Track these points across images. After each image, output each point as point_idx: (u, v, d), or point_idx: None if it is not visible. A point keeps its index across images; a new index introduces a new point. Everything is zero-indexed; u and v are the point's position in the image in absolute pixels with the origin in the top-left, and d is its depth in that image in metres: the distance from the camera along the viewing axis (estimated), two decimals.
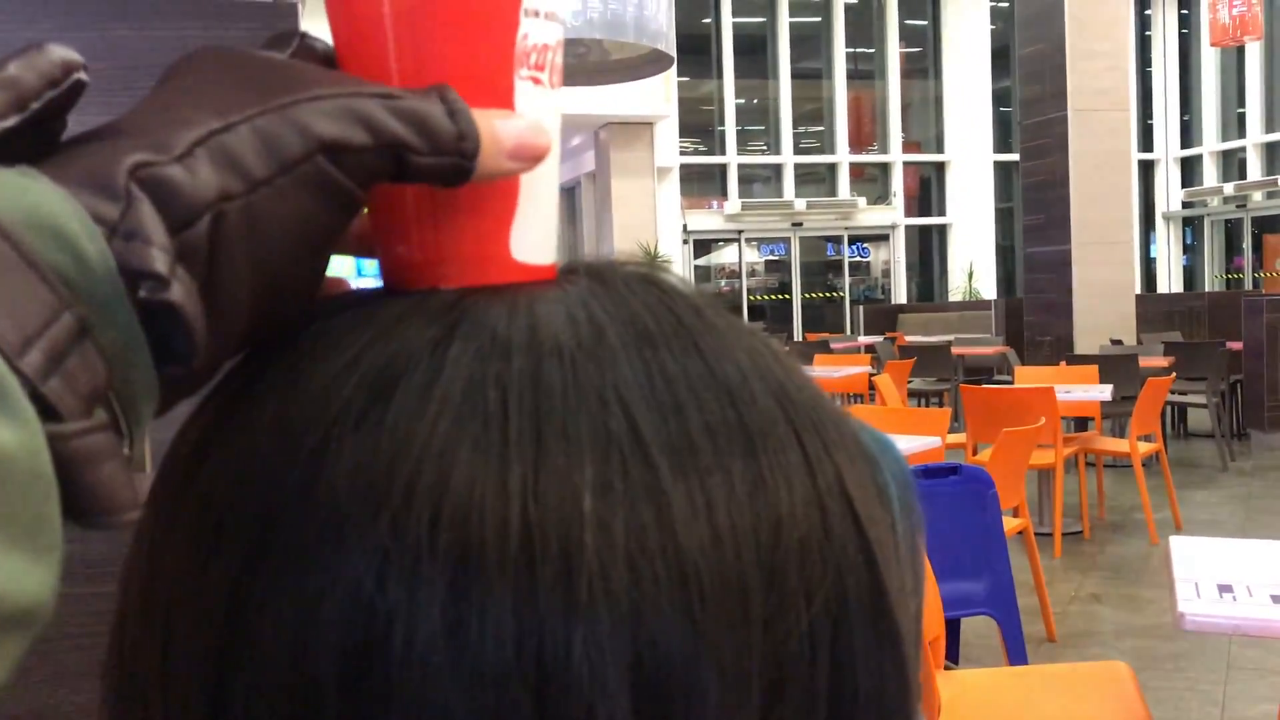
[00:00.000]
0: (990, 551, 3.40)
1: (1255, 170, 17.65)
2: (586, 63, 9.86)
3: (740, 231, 17.83)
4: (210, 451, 0.29)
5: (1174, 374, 6.76)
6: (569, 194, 18.78)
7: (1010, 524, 3.90)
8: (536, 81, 0.31)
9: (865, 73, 18.49)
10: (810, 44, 18.18)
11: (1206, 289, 17.37)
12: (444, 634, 0.24)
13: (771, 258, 18.71)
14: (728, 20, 17.48)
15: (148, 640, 0.28)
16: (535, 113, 0.31)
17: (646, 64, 9.30)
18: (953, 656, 3.60)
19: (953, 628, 3.60)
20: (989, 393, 5.52)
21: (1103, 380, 6.32)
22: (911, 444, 4.03)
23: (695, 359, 0.28)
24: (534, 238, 0.32)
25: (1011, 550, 4.61)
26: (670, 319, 0.29)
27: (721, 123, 17.70)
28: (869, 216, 18.16)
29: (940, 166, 18.60)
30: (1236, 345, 8.52)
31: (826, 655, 0.27)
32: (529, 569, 0.24)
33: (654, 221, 16.04)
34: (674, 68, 12.93)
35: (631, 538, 0.25)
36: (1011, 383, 6.78)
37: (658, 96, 15.27)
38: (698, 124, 17.80)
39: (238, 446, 0.28)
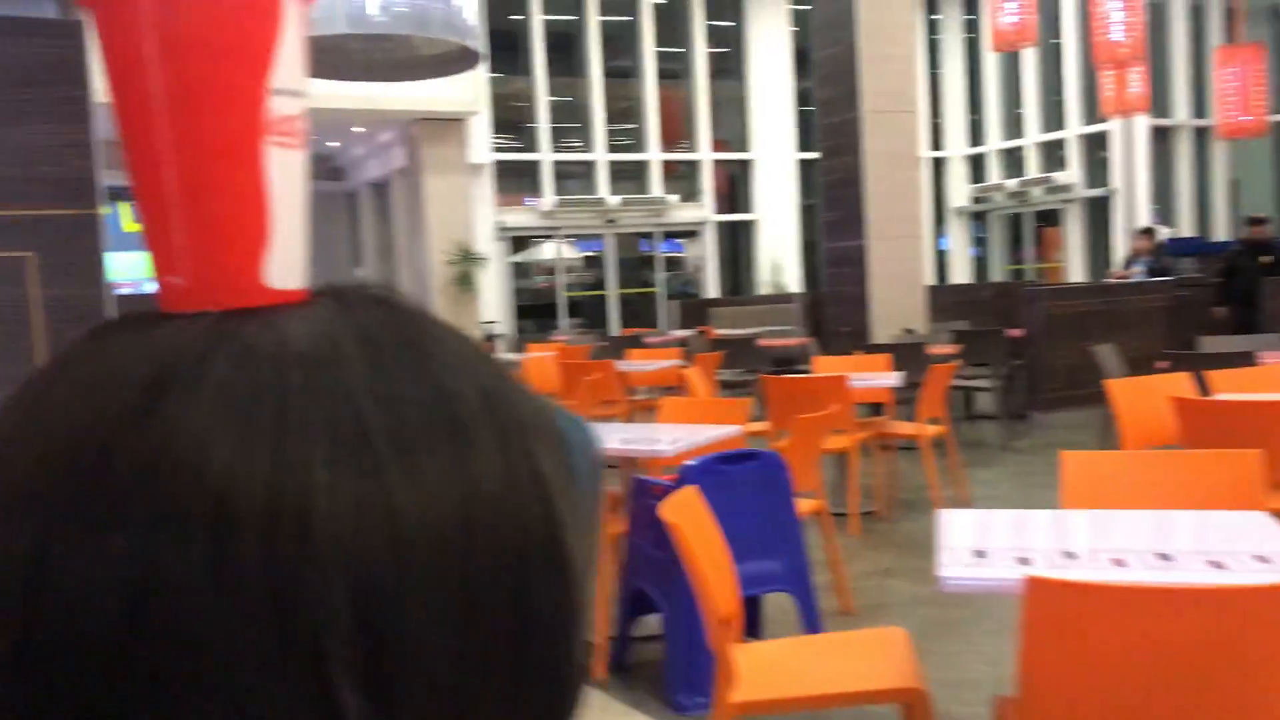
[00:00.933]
0: (785, 532, 3.61)
1: (1034, 168, 18.91)
2: (394, 58, 9.75)
3: (555, 228, 17.93)
4: (15, 443, 0.36)
5: (958, 361, 7.21)
6: (379, 190, 18.47)
7: (806, 505, 4.12)
8: (284, 145, 0.40)
9: (674, 72, 18.88)
10: (621, 42, 18.43)
11: (994, 280, 18.52)
12: (206, 576, 0.32)
13: (587, 254, 18.90)
14: (538, 17, 17.54)
15: None
16: (283, 168, 0.39)
17: (455, 60, 9.28)
18: (755, 632, 3.79)
19: (754, 605, 3.79)
20: (787, 382, 5.79)
21: (895, 368, 6.69)
22: (716, 432, 4.21)
23: (414, 365, 0.37)
24: (283, 266, 0.40)
25: (810, 530, 4.88)
26: (396, 332, 0.38)
27: (535, 119, 17.76)
28: (680, 213, 18.56)
29: (746, 164, 19.16)
30: (1018, 332, 9.16)
31: (510, 584, 0.36)
32: (272, 525, 0.33)
33: (468, 218, 15.97)
34: (485, 64, 12.87)
35: (354, 501, 0.34)
36: (810, 372, 7.10)
37: (469, 93, 15.20)
38: (511, 120, 17.80)
39: (40, 438, 0.35)
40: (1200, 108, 17.36)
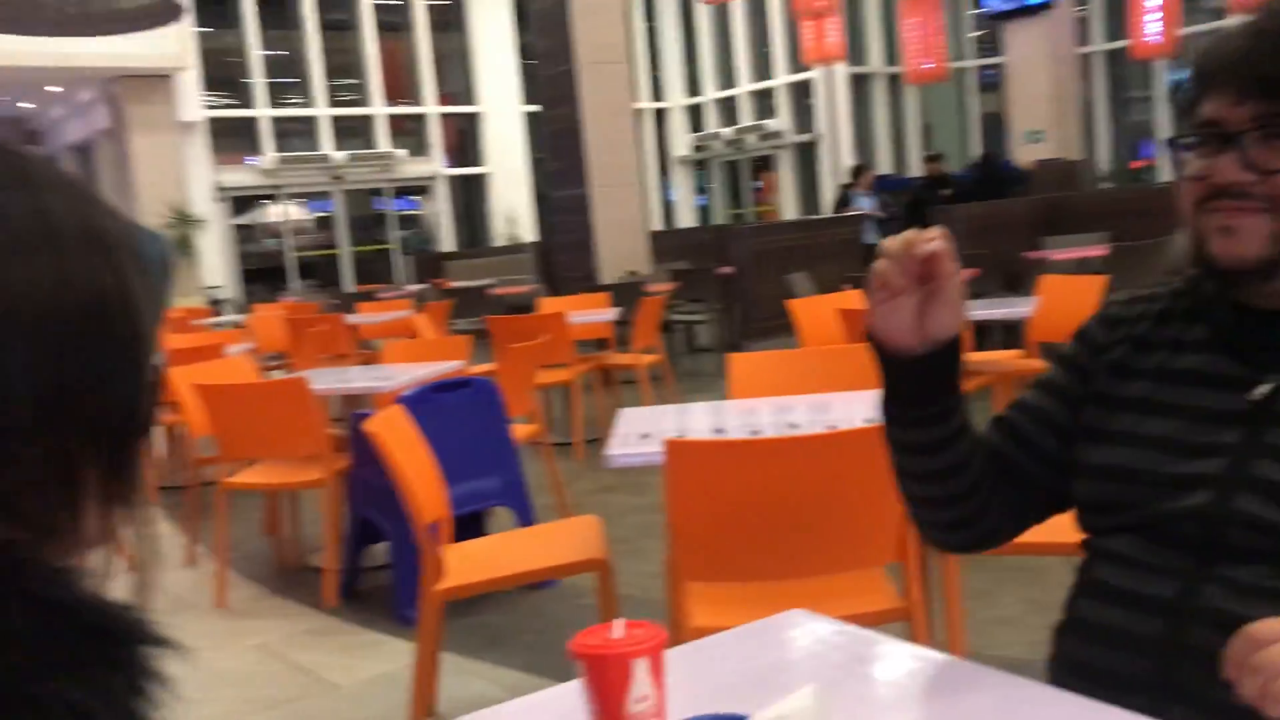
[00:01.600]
0: (500, 452, 3.87)
1: (747, 116, 19.90)
2: (90, 11, 9.21)
3: (279, 187, 17.40)
4: None
5: (668, 294, 7.68)
6: (83, 153, 17.33)
7: (524, 430, 4.40)
8: None
9: (395, 25, 18.60)
10: None
11: (717, 224, 19.44)
12: None
13: (318, 215, 18.45)
14: None
15: None
16: None
17: (157, 14, 8.89)
18: None
19: (478, 522, 4.05)
20: (510, 321, 6.05)
21: (613, 305, 7.08)
22: (436, 368, 4.41)
23: (22, 191, 0.57)
24: None
25: (533, 458, 5.17)
26: (9, 166, 0.57)
27: (249, 75, 17.10)
28: (410, 168, 18.41)
29: (475, 118, 19.19)
30: (729, 270, 9.78)
31: (93, 338, 0.53)
32: None
33: (181, 179, 15.28)
34: (189, 17, 12.30)
35: None
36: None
37: (175, 47, 14.48)
38: (225, 77, 17.07)
39: None
40: (892, 56, 18.75)
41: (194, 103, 15.80)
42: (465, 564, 2.66)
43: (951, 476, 1.20)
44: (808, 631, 1.23)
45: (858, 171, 12.60)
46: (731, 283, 9.66)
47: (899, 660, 1.18)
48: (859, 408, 2.69)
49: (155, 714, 0.54)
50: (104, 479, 0.56)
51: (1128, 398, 1.18)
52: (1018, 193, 11.31)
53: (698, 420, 2.72)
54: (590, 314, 6.63)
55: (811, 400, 2.89)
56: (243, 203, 17.46)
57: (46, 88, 15.75)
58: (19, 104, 16.89)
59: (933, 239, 1.06)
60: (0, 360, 0.50)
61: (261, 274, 17.56)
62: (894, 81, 18.87)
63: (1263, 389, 1.08)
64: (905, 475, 1.23)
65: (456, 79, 19.22)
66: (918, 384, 1.15)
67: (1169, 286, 1.22)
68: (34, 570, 0.52)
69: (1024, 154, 14.67)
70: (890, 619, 2.11)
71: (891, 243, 1.08)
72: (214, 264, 15.92)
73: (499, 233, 18.78)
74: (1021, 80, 15.43)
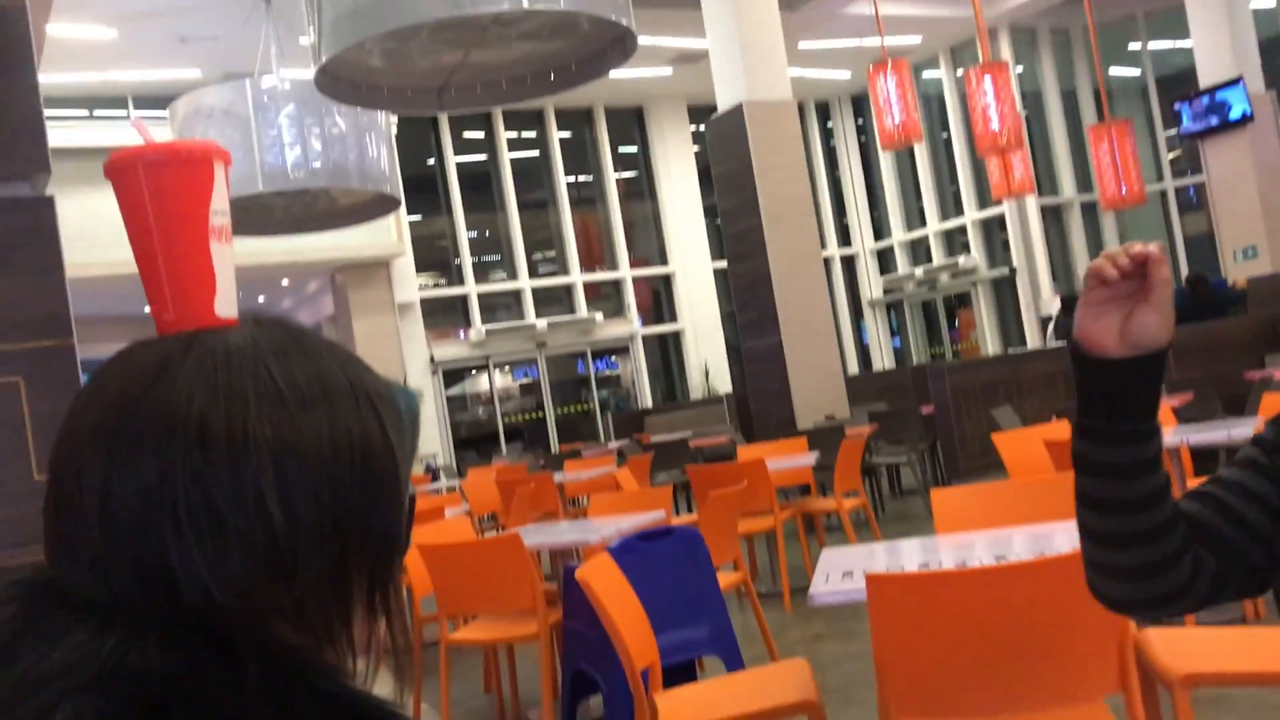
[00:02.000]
0: (706, 600, 3.91)
1: (938, 255, 19.79)
2: (315, 210, 10.15)
3: (488, 357, 18.31)
4: (89, 400, 0.69)
5: (867, 435, 7.62)
6: None
7: (729, 578, 4.43)
8: (219, 241, 0.75)
9: (588, 198, 19.61)
10: (533, 176, 19.16)
11: (913, 363, 19.18)
12: (201, 475, 0.64)
13: (524, 380, 19.27)
14: (451, 160, 18.22)
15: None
16: (219, 252, 0.75)
17: (374, 206, 9.72)
18: None
19: (689, 671, 4.07)
20: (711, 470, 6.14)
21: (813, 449, 7.08)
22: (640, 519, 4.52)
23: (304, 358, 0.71)
24: (224, 305, 0.75)
25: (743, 607, 5.16)
26: (293, 339, 0.72)
27: (458, 255, 18.29)
28: (608, 330, 19.06)
29: (668, 278, 19.81)
30: (930, 409, 9.64)
31: (361, 478, 0.68)
32: (231, 440, 0.64)
33: (399, 356, 16.30)
34: (403, 207, 13.34)
35: (273, 428, 0.66)
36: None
37: (391, 235, 15.69)
38: (435, 259, 18.31)
39: (100, 396, 0.68)
40: (1085, 183, 18.39)
41: (409, 285, 16.98)
42: (678, 710, 2.70)
43: (1144, 510, 1.14)
44: None
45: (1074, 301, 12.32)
46: (934, 422, 9.50)
47: None
48: (1071, 536, 2.62)
49: None
50: (369, 590, 0.68)
51: None
52: (1235, 312, 10.79)
53: (905, 558, 2.70)
54: (789, 459, 6.65)
55: (1023, 531, 2.84)
56: (454, 374, 18.43)
57: (280, 282, 17.26)
58: (257, 299, 18.55)
59: (1149, 245, 1.09)
60: (292, 495, 0.63)
61: (473, 440, 18.36)
62: (1090, 209, 18.47)
63: None
64: (1090, 505, 1.17)
65: (648, 242, 19.98)
66: (1118, 393, 1.12)
67: None
68: (317, 668, 0.63)
69: (1238, 271, 13.99)
70: None
71: (1109, 248, 1.12)
72: (430, 434, 16.77)
73: (696, 385, 19.09)
74: (1227, 197, 14.83)
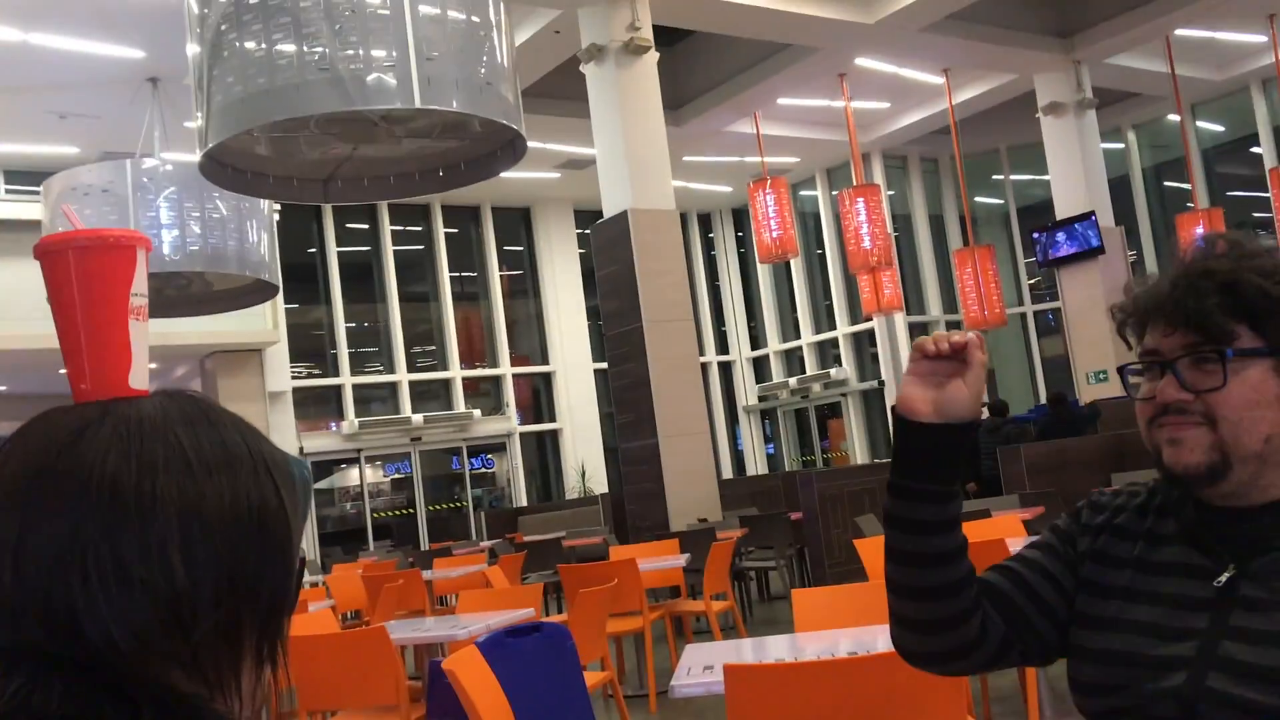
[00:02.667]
0: (571, 698, 3.91)
1: (811, 365, 20.37)
2: (189, 294, 9.97)
3: (359, 450, 18.01)
4: (4, 466, 0.74)
5: (737, 539, 7.75)
6: None
7: (595, 677, 4.44)
8: (137, 319, 0.82)
9: (471, 294, 19.68)
10: (416, 269, 19.16)
11: (785, 469, 19.56)
12: (110, 530, 0.71)
13: (396, 475, 18.96)
14: (333, 249, 18.13)
15: None
16: (136, 329, 0.82)
17: (251, 292, 9.60)
18: None
19: None
20: (582, 569, 6.16)
21: (682, 551, 7.17)
22: (509, 616, 4.52)
23: (210, 428, 0.77)
24: (137, 377, 0.82)
25: (609, 708, 5.17)
26: (200, 410, 0.79)
27: (334, 346, 18.07)
28: (485, 427, 18.97)
29: (548, 376, 19.89)
30: (798, 515, 9.85)
31: (257, 541, 0.75)
32: (139, 501, 0.70)
33: None
34: (280, 295, 13.20)
35: (178, 490, 0.73)
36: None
37: (267, 322, 15.44)
38: (311, 348, 18.05)
39: (17, 461, 0.74)
40: (950, 303, 19.27)
41: (282, 373, 16.68)
42: None
43: (940, 565, 1.29)
44: None
45: (996, 410, 12.82)
46: (801, 527, 9.70)
47: None
48: None
49: None
50: (258, 642, 0.74)
51: (1115, 585, 1.31)
52: (1089, 431, 11.38)
53: (763, 653, 2.79)
54: (660, 560, 6.72)
55: (884, 630, 2.96)
56: (323, 467, 18.04)
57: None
58: None
59: (970, 332, 1.29)
60: (194, 552, 0.69)
61: (340, 536, 17.92)
62: (955, 327, 19.32)
63: (1222, 578, 1.23)
64: (894, 557, 1.33)
65: (530, 340, 20.08)
66: (926, 455, 1.28)
67: (1146, 485, 1.39)
68: (207, 714, 0.69)
69: (1090, 393, 14.77)
70: None
71: (938, 331, 1.32)
72: None
73: (572, 485, 19.07)
74: (1080, 322, 15.73)
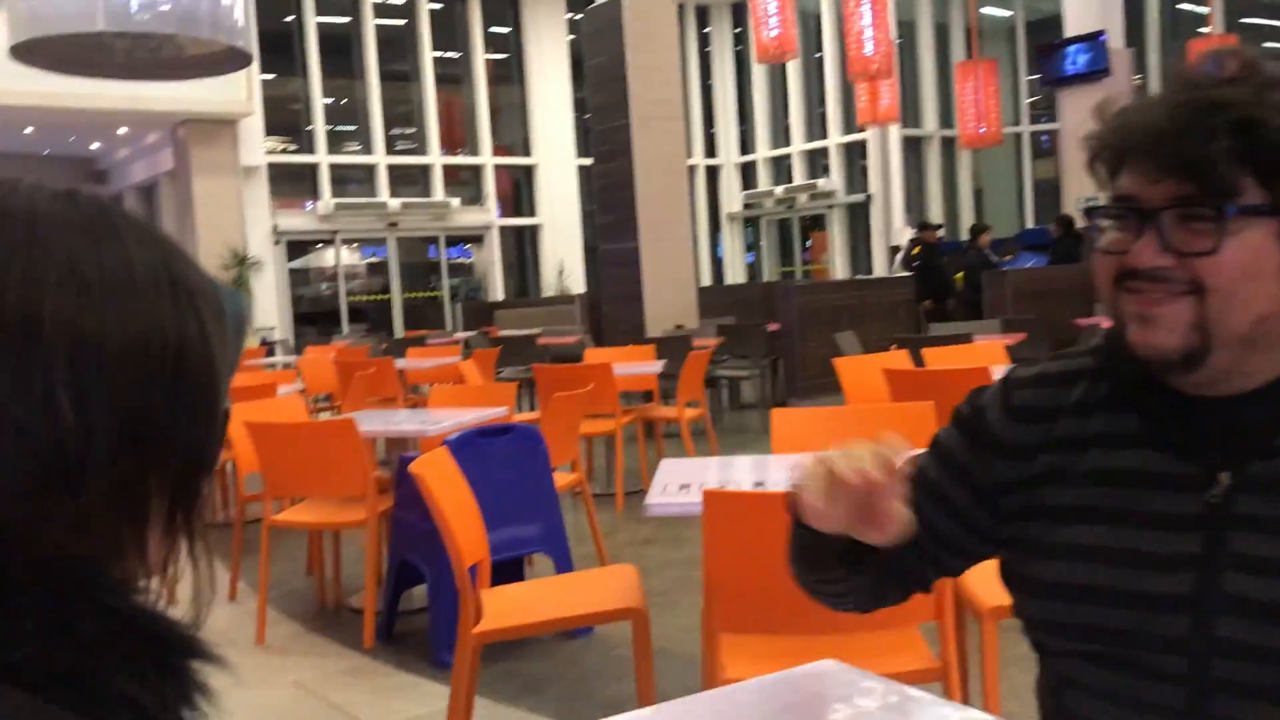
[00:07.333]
0: (541, 499, 3.89)
1: (800, 175, 20.01)
2: (160, 57, 9.51)
3: (335, 232, 17.72)
4: None
5: (712, 348, 7.70)
6: (146, 192, 17.79)
7: (565, 478, 4.42)
8: None
9: (454, 77, 18.98)
10: (397, 46, 18.39)
11: (764, 280, 19.48)
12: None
13: (372, 260, 18.75)
14: (311, 19, 17.31)
15: None
16: None
17: (224, 60, 9.14)
18: None
19: (518, 568, 4.07)
20: (557, 370, 6.10)
21: (659, 358, 7.11)
22: (482, 414, 4.45)
23: (117, 242, 0.58)
24: None
25: (576, 506, 5.19)
26: (107, 220, 0.59)
27: (311, 122, 17.50)
28: (464, 217, 18.67)
29: (530, 169, 19.46)
30: (776, 326, 9.80)
31: (169, 379, 0.57)
32: (21, 326, 0.53)
33: (241, 222, 15.61)
34: (255, 65, 12.65)
35: (71, 319, 0.54)
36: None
37: (241, 93, 14.87)
38: (287, 123, 17.48)
39: None
40: (946, 118, 18.80)
41: (256, 148, 16.18)
42: (503, 608, 2.68)
43: (850, 592, 1.22)
44: (841, 681, 1.23)
45: (933, 229, 12.68)
46: (778, 339, 9.66)
47: (937, 715, 1.17)
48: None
49: None
50: (169, 509, 0.60)
51: (1067, 506, 1.07)
52: (1083, 257, 11.29)
53: (739, 473, 2.72)
54: (636, 366, 6.66)
55: None
56: (299, 247, 17.79)
57: (117, 130, 16.22)
58: (89, 145, 17.39)
59: (888, 463, 0.99)
60: (86, 393, 0.54)
61: (314, 317, 17.85)
62: (949, 144, 18.91)
63: (1216, 490, 1.00)
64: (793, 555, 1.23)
65: (513, 131, 19.53)
66: (827, 556, 1.15)
67: (1078, 362, 1.12)
68: (101, 582, 0.56)
69: (1079, 220, 14.60)
70: (924, 679, 2.08)
71: (860, 449, 1.01)
72: (268, 306, 16.19)
73: (549, 284, 18.96)
74: (1076, 147, 15.33)
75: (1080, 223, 11.79)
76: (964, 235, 17.29)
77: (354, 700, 3.39)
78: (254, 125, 15.91)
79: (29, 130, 15.24)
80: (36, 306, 0.54)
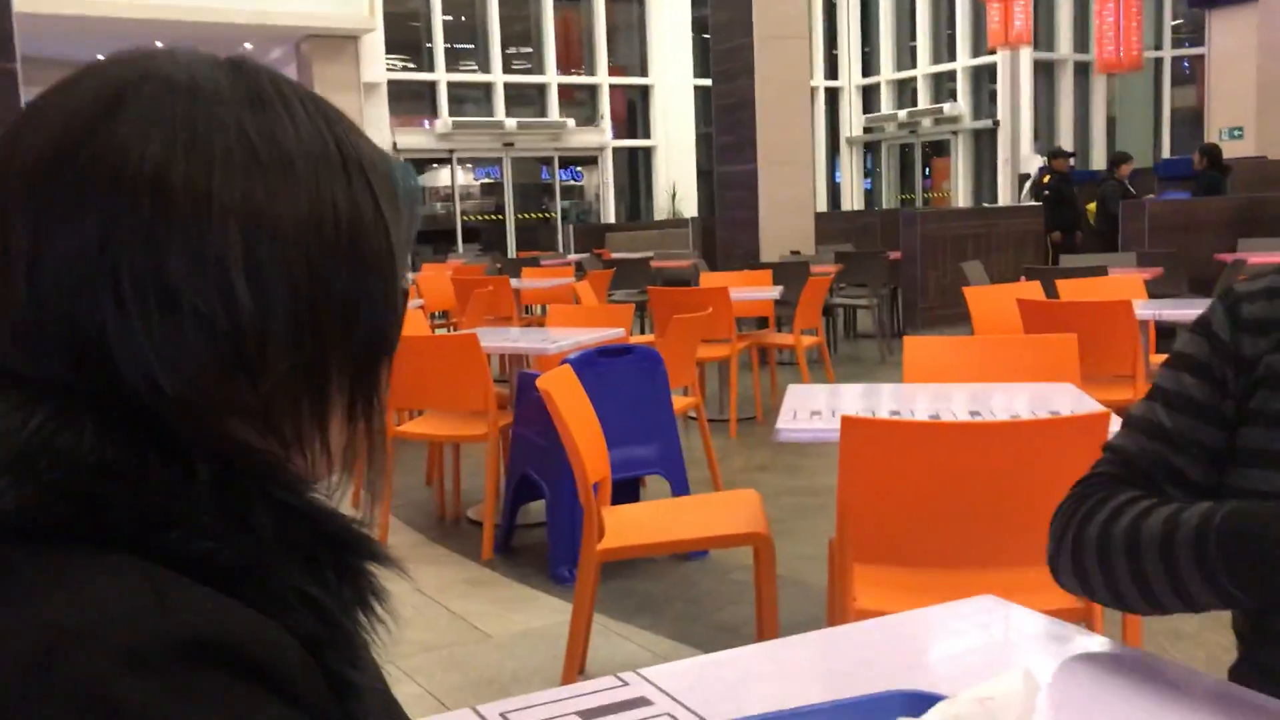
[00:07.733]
0: (660, 421, 3.87)
1: (924, 99, 19.37)
2: None
3: (452, 151, 17.84)
4: (20, 140, 0.53)
5: (832, 275, 7.54)
6: None
7: (681, 401, 4.39)
8: None
9: None
10: None
11: (883, 207, 19.03)
12: (158, 236, 0.50)
13: (486, 180, 18.85)
14: None
15: None
16: None
17: None
18: None
19: (634, 488, 4.08)
20: (673, 293, 6.05)
21: (776, 284, 7.00)
22: (599, 334, 4.44)
23: (285, 114, 0.54)
24: None
25: (689, 431, 5.17)
26: (274, 89, 0.55)
27: (430, 40, 17.55)
28: (579, 138, 18.60)
29: (645, 90, 19.24)
30: (897, 255, 9.56)
31: (346, 278, 0.54)
32: (191, 201, 0.49)
33: None
34: None
35: (243, 196, 0.50)
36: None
37: (363, 9, 14.97)
38: (406, 40, 17.55)
39: (33, 143, 0.53)
40: (1082, 42, 17.95)
41: (377, 64, 16.31)
42: (625, 527, 2.67)
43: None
44: (1000, 617, 1.17)
45: (1066, 157, 12.16)
46: (899, 268, 9.43)
47: (1101, 652, 1.11)
48: (1043, 398, 2.58)
49: (375, 623, 0.57)
50: (350, 396, 0.57)
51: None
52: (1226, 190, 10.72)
53: (877, 401, 2.65)
54: (753, 291, 6.56)
55: (989, 389, 2.79)
56: (416, 166, 17.97)
57: (242, 44, 16.51)
58: None
59: None
60: (263, 274, 0.51)
61: (430, 236, 18.07)
62: (1083, 70, 18.08)
63: None
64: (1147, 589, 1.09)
65: (629, 50, 19.30)
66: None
67: None
68: (281, 477, 0.53)
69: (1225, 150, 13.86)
70: (1066, 619, 2.01)
71: None
72: None
73: (661, 206, 18.83)
74: (1223, 73, 14.55)
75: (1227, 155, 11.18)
76: (1096, 165, 16.61)
77: (474, 610, 3.45)
78: (375, 41, 16.02)
79: (158, 44, 15.60)
80: (205, 184, 0.50)
